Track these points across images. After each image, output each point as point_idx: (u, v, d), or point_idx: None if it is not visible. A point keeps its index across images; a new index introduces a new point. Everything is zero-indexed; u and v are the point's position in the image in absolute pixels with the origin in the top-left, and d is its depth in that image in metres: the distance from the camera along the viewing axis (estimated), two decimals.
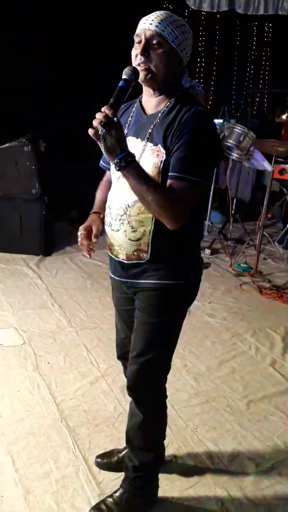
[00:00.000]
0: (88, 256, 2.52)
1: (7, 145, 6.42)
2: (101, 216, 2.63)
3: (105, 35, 8.19)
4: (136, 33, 2.32)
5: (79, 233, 2.55)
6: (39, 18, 7.83)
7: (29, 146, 6.28)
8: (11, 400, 3.66)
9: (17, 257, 6.46)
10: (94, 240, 2.51)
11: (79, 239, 2.55)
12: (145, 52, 2.26)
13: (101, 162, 2.79)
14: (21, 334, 4.57)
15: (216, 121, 6.89)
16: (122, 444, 3.00)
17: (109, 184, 2.72)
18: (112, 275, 2.70)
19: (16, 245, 6.54)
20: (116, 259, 2.56)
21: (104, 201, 2.66)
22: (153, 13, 2.31)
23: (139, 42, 2.29)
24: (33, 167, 6.35)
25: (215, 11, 7.24)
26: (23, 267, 6.19)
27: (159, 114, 2.35)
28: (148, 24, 2.27)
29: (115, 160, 2.12)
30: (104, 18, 8.21)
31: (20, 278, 5.87)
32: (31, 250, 6.55)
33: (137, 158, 2.28)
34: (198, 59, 10.15)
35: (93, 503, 2.79)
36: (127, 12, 5.84)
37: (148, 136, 2.36)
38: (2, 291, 5.48)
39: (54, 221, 7.01)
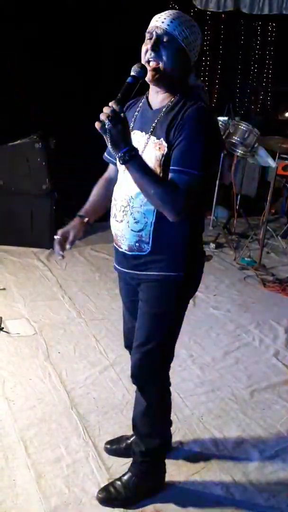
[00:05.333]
0: (61, 257, 2.61)
1: (18, 142, 6.43)
2: (85, 220, 2.70)
3: (112, 34, 8.18)
4: (147, 30, 2.36)
5: (55, 237, 2.62)
6: (50, 18, 7.82)
7: (40, 143, 6.30)
8: (23, 388, 3.71)
9: (28, 251, 6.46)
10: (67, 246, 2.60)
11: (54, 242, 2.62)
12: (155, 47, 2.30)
13: (105, 154, 2.83)
14: (33, 325, 4.61)
15: (221, 118, 6.91)
16: (130, 430, 3.01)
17: (108, 183, 2.80)
18: (117, 266, 2.74)
19: (27, 239, 6.55)
20: (120, 249, 2.62)
21: (95, 204, 2.75)
22: (166, 12, 2.35)
23: (150, 39, 2.33)
24: (44, 163, 6.37)
25: (220, 11, 7.24)
26: (34, 260, 6.20)
27: (163, 109, 2.40)
28: (160, 22, 2.31)
29: (119, 154, 2.17)
30: (112, 18, 8.21)
31: (31, 270, 5.89)
32: (42, 243, 6.54)
33: (140, 151, 2.34)
34: (203, 58, 10.07)
35: None
36: (134, 9, 5.87)
37: (152, 130, 2.41)
38: (14, 283, 5.50)
39: (64, 216, 6.95)
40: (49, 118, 7.11)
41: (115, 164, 2.73)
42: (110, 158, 2.80)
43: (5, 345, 4.27)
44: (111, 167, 2.86)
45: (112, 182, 2.77)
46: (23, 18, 7.64)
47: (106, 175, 2.89)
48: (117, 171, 2.70)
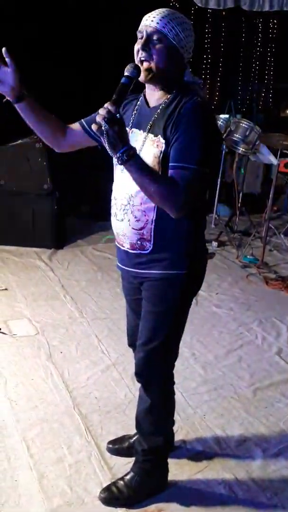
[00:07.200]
0: None
1: (19, 142, 6.45)
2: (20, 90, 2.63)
3: (112, 34, 8.20)
4: (138, 29, 2.37)
5: None
6: (50, 18, 7.85)
7: (41, 143, 6.18)
8: (25, 388, 3.71)
9: (30, 251, 6.46)
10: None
11: None
12: (145, 47, 2.31)
13: (83, 121, 2.70)
14: (35, 325, 4.61)
15: (222, 116, 6.91)
16: (133, 430, 3.02)
17: (63, 126, 2.69)
18: (119, 264, 2.74)
19: (28, 239, 6.54)
20: (122, 248, 2.62)
21: (42, 111, 2.63)
22: (156, 10, 2.35)
23: (141, 38, 2.34)
24: (45, 163, 6.37)
25: (221, 8, 7.22)
26: (36, 260, 6.20)
27: (160, 106, 2.40)
28: (149, 21, 2.32)
29: (117, 154, 2.15)
30: (112, 18, 8.23)
31: (33, 270, 5.89)
32: (44, 243, 6.56)
33: (139, 149, 2.35)
34: (205, 56, 10.11)
35: None
36: (134, 10, 5.85)
37: (149, 127, 2.41)
38: (16, 283, 5.50)
39: (65, 215, 6.99)
40: None
41: (92, 138, 2.64)
42: (86, 127, 2.66)
43: (7, 345, 4.27)
44: (75, 124, 2.72)
45: (64, 131, 2.70)
46: (23, 18, 7.66)
47: (69, 125, 2.74)
48: (79, 135, 2.67)
